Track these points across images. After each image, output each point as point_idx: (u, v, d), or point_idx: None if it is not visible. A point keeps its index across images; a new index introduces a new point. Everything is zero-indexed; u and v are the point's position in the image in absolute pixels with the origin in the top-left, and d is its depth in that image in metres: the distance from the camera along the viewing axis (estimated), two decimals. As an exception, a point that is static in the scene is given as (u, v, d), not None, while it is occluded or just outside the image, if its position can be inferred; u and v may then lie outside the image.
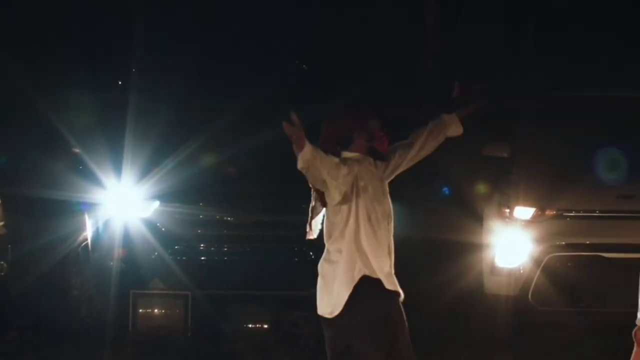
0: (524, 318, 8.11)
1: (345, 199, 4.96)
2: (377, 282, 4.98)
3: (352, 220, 4.97)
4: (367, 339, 4.97)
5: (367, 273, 4.96)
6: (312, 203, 5.20)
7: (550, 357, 7.80)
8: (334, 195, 4.96)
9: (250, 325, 7.89)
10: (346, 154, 5.06)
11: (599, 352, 7.56)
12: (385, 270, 5.01)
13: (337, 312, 4.96)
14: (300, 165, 4.82)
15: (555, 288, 8.00)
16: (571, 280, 8.04)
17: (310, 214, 5.21)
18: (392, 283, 5.03)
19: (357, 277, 4.95)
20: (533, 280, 8.03)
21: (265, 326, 7.89)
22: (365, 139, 5.05)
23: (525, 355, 7.83)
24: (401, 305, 5.06)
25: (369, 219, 4.99)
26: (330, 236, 5.04)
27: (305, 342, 7.85)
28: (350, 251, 4.97)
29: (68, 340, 7.81)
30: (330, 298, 5.01)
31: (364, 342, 4.98)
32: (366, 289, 4.97)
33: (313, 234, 5.22)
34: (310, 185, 5.17)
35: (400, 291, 5.06)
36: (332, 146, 5.05)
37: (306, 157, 4.79)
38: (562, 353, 7.81)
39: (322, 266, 5.10)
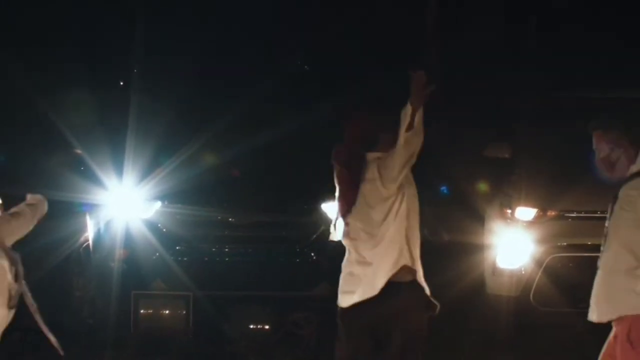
0: (526, 318, 8.11)
1: (401, 188, 4.98)
2: (414, 273, 5.03)
3: (403, 207, 4.96)
4: (395, 328, 4.97)
5: (408, 263, 4.99)
6: (338, 204, 5.18)
7: (552, 358, 7.80)
8: (399, 181, 4.95)
9: (251, 326, 7.88)
10: (375, 154, 5.04)
11: (600, 352, 7.54)
12: (419, 264, 5.03)
13: (369, 296, 4.97)
14: (418, 119, 4.82)
15: (557, 289, 8.01)
16: (573, 281, 8.03)
17: (336, 216, 5.20)
18: (422, 278, 5.06)
19: (400, 264, 4.97)
20: (534, 281, 8.04)
21: (267, 327, 7.89)
22: (392, 141, 5.03)
23: (526, 356, 7.83)
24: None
25: (414, 211, 5.02)
26: (371, 236, 5.00)
27: (307, 343, 7.85)
28: (396, 237, 4.97)
29: (69, 341, 7.75)
30: (361, 285, 5.00)
31: (395, 330, 4.98)
32: (402, 278, 5.00)
33: (337, 235, 5.21)
34: (337, 185, 5.19)
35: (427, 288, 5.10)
36: (358, 146, 5.04)
37: (420, 116, 4.83)
38: (563, 353, 7.81)
39: (349, 266, 5.07)
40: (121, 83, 9.16)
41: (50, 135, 9.12)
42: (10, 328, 8.03)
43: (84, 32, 11.02)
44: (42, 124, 9.38)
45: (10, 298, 4.97)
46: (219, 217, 8.05)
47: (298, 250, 7.98)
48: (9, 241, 5.10)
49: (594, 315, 4.83)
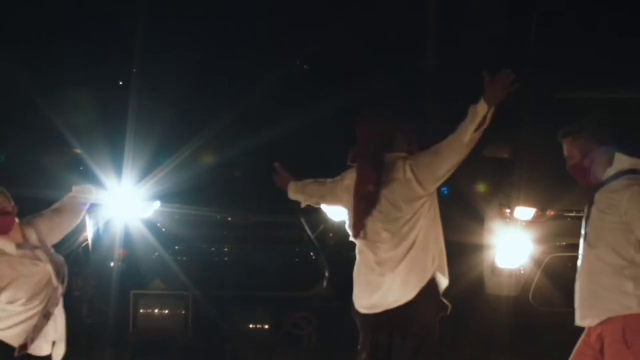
0: (525, 318, 8.11)
1: (433, 192, 5.00)
2: (434, 273, 5.03)
3: (433, 208, 4.96)
4: (411, 328, 4.97)
5: (438, 264, 4.99)
6: (355, 205, 5.15)
7: (550, 358, 7.78)
8: (443, 180, 4.95)
9: (250, 326, 7.89)
10: (396, 155, 5.02)
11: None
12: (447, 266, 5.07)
13: (408, 299, 4.94)
14: (489, 118, 4.77)
15: (556, 288, 7.99)
16: (571, 280, 8.00)
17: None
18: (441, 278, 5.07)
19: (435, 264, 4.97)
20: (534, 281, 8.04)
21: (266, 327, 7.90)
22: (406, 142, 5.02)
23: (525, 356, 7.82)
24: None
25: (438, 212, 5.03)
26: (393, 235, 4.97)
27: (307, 343, 7.85)
28: (429, 238, 4.95)
29: (69, 340, 7.78)
30: (393, 289, 4.96)
31: (410, 331, 4.97)
32: (436, 279, 5.00)
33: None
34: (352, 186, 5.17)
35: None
36: (376, 147, 5.02)
37: (492, 115, 4.78)
38: (562, 353, 7.74)
39: (369, 272, 5.04)
40: (120, 83, 9.17)
41: (51, 136, 9.13)
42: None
43: (84, 32, 11.03)
44: (42, 124, 9.39)
45: (49, 304, 4.65)
46: (218, 217, 8.07)
47: (298, 250, 7.97)
48: (53, 239, 4.86)
49: (582, 320, 4.73)
